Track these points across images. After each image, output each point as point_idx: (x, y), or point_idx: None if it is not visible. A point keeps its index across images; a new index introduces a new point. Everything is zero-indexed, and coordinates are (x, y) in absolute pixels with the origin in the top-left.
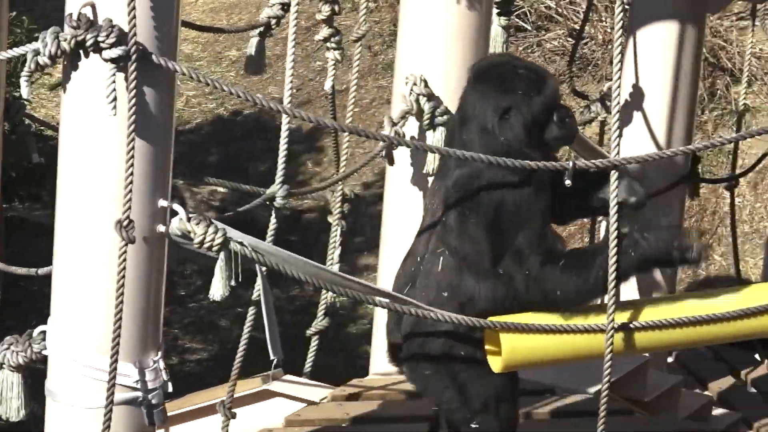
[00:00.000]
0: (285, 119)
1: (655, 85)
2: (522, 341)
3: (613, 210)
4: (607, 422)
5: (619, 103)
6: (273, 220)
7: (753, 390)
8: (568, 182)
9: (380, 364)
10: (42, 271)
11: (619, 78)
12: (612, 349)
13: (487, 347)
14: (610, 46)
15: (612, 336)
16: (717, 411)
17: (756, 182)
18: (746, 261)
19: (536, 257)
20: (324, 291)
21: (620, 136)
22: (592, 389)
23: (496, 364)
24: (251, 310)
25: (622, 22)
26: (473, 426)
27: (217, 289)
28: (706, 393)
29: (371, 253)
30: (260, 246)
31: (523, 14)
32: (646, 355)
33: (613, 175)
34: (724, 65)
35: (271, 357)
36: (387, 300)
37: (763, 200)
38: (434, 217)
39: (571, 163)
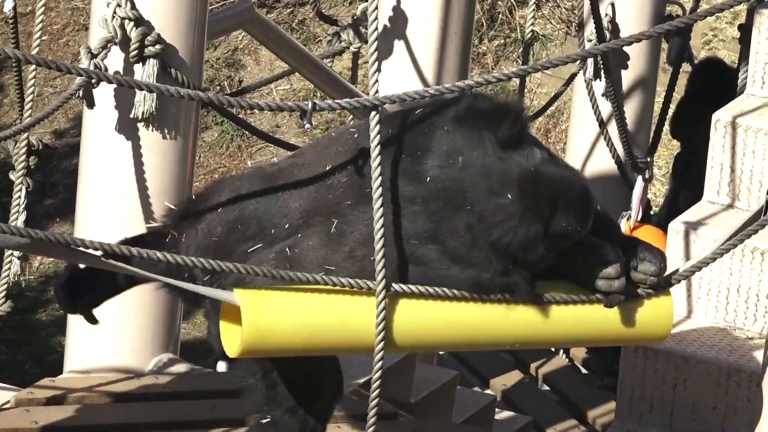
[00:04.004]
0: None
1: (421, 8)
2: (270, 316)
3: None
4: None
5: (377, 29)
6: None
7: (545, 387)
8: (307, 126)
9: (78, 358)
10: None
11: None
12: (383, 345)
13: (222, 327)
14: None
15: (383, 330)
16: (501, 414)
17: (548, 128)
18: None
19: None
20: (5, 267)
21: (378, 70)
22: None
23: (232, 345)
24: None
25: None
26: None
27: None
28: (487, 392)
29: (65, 218)
30: None
31: None
32: None
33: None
34: None
35: None
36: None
37: (557, 150)
38: None
39: (310, 104)
